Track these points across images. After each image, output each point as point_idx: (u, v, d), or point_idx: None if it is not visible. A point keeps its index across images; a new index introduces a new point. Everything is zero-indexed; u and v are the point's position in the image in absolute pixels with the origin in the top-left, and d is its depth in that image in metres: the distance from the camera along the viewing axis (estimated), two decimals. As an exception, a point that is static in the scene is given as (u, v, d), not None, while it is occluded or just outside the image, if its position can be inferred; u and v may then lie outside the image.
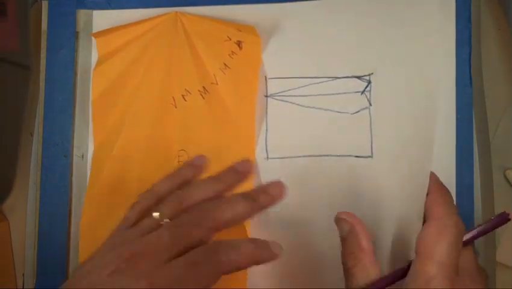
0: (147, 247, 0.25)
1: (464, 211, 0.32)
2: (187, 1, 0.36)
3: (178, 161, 0.34)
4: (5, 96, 0.38)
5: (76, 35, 0.37)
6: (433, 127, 0.33)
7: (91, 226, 0.35)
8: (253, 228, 0.34)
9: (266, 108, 0.35)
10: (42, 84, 0.37)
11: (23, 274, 0.38)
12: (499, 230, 0.33)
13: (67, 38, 0.37)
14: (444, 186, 0.28)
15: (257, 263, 0.27)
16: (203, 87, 0.34)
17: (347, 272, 0.26)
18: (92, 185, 0.35)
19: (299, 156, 0.34)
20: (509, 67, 0.35)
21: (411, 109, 0.33)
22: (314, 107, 0.35)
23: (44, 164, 0.37)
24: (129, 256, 0.24)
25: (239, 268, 0.26)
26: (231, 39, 0.34)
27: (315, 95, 0.35)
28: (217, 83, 0.34)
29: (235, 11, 0.35)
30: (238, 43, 0.34)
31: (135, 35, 0.36)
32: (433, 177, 0.28)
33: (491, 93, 0.34)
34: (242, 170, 0.30)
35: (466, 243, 0.26)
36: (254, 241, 0.27)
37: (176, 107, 0.35)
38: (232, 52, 0.35)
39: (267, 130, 0.35)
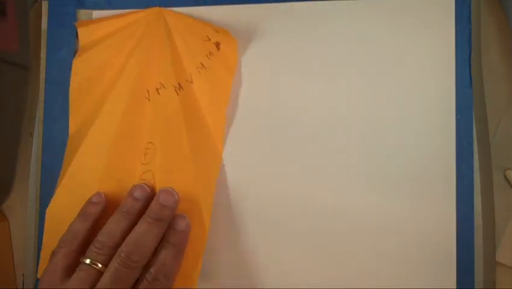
0: None
1: (464, 211, 0.32)
2: (186, 2, 0.36)
3: (145, 154, 0.34)
4: (5, 96, 0.38)
5: (76, 35, 0.37)
6: (433, 128, 0.33)
7: (57, 212, 0.34)
8: (254, 228, 0.34)
9: None
10: (42, 84, 0.37)
11: (23, 274, 0.38)
12: (499, 230, 0.33)
13: (67, 38, 0.37)
14: None
15: (183, 251, 0.30)
16: (179, 84, 0.34)
17: None
18: (63, 174, 0.35)
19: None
20: (510, 67, 0.35)
21: (411, 110, 0.33)
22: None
23: (44, 164, 0.37)
24: None
25: (178, 268, 0.30)
26: (210, 39, 0.35)
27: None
28: (191, 82, 0.34)
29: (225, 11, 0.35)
30: (217, 44, 0.34)
31: (118, 27, 0.36)
32: None
33: (491, 93, 0.34)
34: (137, 196, 0.31)
35: None
36: (164, 244, 0.29)
37: (149, 100, 0.35)
38: (210, 52, 0.35)
39: None
